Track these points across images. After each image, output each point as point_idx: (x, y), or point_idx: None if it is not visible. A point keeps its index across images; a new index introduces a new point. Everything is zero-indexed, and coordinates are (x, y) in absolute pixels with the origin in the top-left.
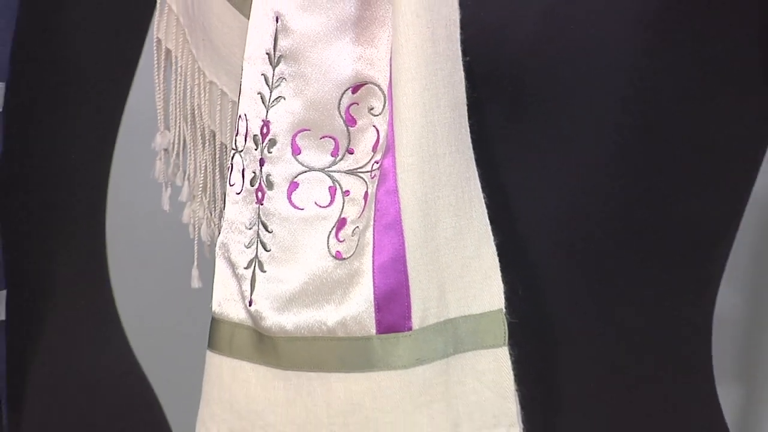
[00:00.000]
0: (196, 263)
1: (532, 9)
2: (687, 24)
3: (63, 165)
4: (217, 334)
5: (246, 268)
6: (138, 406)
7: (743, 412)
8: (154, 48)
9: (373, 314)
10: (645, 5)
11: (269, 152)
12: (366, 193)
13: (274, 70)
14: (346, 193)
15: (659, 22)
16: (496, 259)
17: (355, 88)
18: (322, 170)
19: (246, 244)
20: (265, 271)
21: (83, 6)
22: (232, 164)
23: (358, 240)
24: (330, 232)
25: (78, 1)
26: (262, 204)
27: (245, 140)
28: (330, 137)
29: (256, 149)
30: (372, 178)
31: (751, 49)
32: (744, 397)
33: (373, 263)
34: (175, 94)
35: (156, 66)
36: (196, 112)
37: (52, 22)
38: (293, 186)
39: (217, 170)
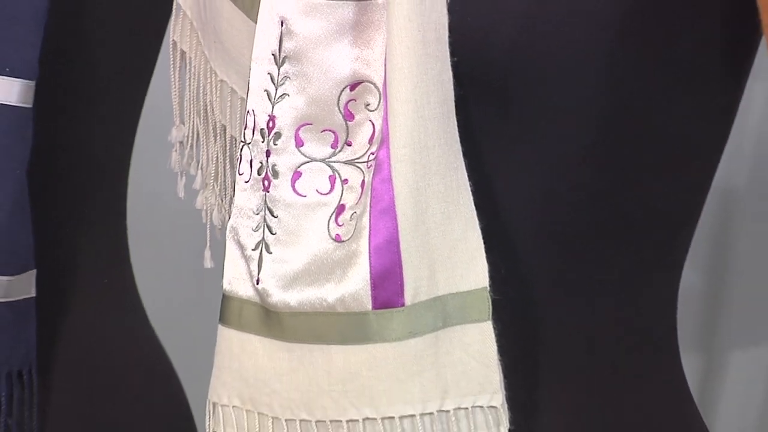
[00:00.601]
0: (208, 245)
1: (512, 15)
2: (652, 28)
3: (87, 156)
4: (227, 309)
5: (254, 249)
6: (155, 374)
7: (703, 378)
8: (170, 49)
9: (370, 291)
10: (614, 12)
11: (275, 144)
12: (363, 181)
13: (279, 70)
14: (344, 181)
15: (627, 27)
16: (481, 241)
17: (353, 86)
18: (322, 161)
19: (254, 228)
20: (271, 253)
21: (106, 10)
22: (240, 155)
23: (356, 224)
24: (330, 217)
25: (101, 5)
26: (268, 191)
27: (253, 133)
28: (330, 131)
29: (262, 141)
30: (368, 167)
31: (713, 51)
32: (703, 364)
33: (369, 245)
34: (189, 91)
35: (172, 66)
36: (208, 107)
37: (77, 25)
38: (296, 175)
39: (227, 161)
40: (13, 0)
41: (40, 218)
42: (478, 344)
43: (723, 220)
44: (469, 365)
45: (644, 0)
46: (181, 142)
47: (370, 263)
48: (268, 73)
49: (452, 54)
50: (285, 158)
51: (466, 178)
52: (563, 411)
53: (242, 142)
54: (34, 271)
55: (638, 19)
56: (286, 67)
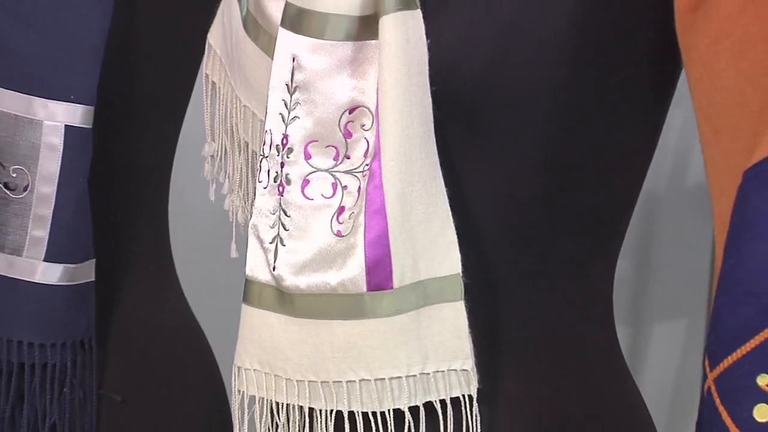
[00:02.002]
0: (234, 239)
1: (479, 54)
2: (595, 63)
3: (137, 166)
4: (249, 291)
5: (270, 243)
6: (191, 343)
7: (632, 345)
8: (204, 80)
9: (364, 277)
10: (563, 50)
11: (288, 157)
12: (359, 187)
13: (291, 97)
14: (344, 187)
15: (574, 61)
16: (455, 236)
17: (351, 110)
18: (326, 171)
19: (270, 225)
20: (284, 245)
21: (152, 48)
22: (260, 166)
23: (353, 222)
24: (332, 216)
25: (149, 45)
26: (282, 196)
27: (270, 148)
28: (332, 146)
29: (278, 155)
30: (363, 176)
31: (644, 81)
32: (631, 336)
33: (364, 239)
34: (219, 114)
35: (205, 93)
36: (233, 127)
37: (129, 60)
38: (305, 182)
39: (249, 171)
40: (77, 39)
41: (98, 217)
42: (452, 319)
43: (647, 219)
44: (445, 336)
45: (590, 40)
46: (212, 156)
47: (365, 254)
48: (282, 100)
49: (431, 84)
50: (296, 169)
51: (443, 184)
52: (522, 374)
53: (261, 155)
54: (93, 260)
55: (584, 54)
56: (296, 95)
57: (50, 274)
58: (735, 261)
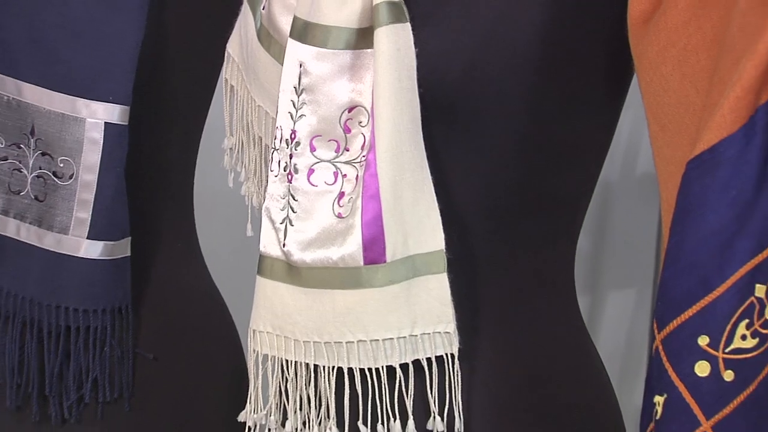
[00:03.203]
0: (249, 219)
1: (460, 61)
2: (561, 69)
3: (166, 158)
4: (262, 265)
5: (281, 223)
6: (213, 309)
7: (589, 314)
8: (224, 84)
9: (362, 252)
10: (533, 58)
11: (296, 150)
12: (357, 176)
13: (298, 98)
14: (344, 176)
15: (542, 68)
16: (440, 218)
17: (350, 109)
18: (329, 161)
19: (281, 208)
20: (293, 225)
21: (179, 56)
22: (272, 157)
23: (352, 206)
24: (334, 200)
25: (176, 53)
26: (291, 183)
27: (280, 142)
28: (334, 140)
29: (287, 148)
30: (361, 166)
31: (602, 86)
32: (589, 303)
33: (361, 221)
34: (236, 113)
35: (224, 95)
36: (249, 124)
37: (158, 66)
38: (311, 171)
39: (262, 162)
40: (116, 50)
41: (133, 201)
42: (437, 289)
43: (603, 203)
44: (431, 304)
45: (555, 50)
46: (230, 149)
47: (362, 233)
48: (291, 100)
49: (419, 86)
50: (303, 160)
51: (429, 173)
52: (497, 336)
53: (273, 148)
54: (129, 238)
55: (550, 63)
56: (303, 96)
57: (92, 250)
58: (679, 238)
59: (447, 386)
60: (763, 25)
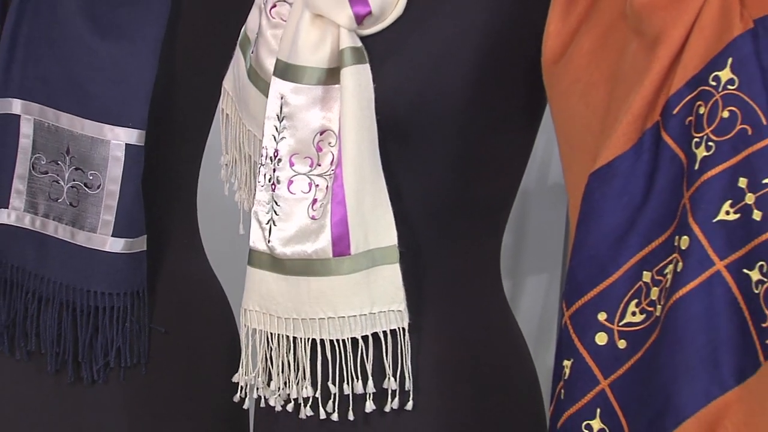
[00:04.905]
0: (241, 221)
1: (408, 93)
2: (489, 99)
3: (174, 170)
4: (251, 257)
5: (266, 224)
6: (212, 292)
7: (511, 294)
8: (220, 113)
9: (331, 247)
10: (467, 88)
11: (278, 165)
12: (327, 186)
13: (280, 123)
14: (317, 186)
15: (474, 97)
16: (393, 219)
17: (322, 132)
18: (305, 174)
19: (266, 212)
20: (276, 225)
21: (185, 90)
22: (259, 171)
23: (323, 210)
24: (309, 205)
25: (183, 87)
26: (274, 192)
27: (265, 159)
28: (309, 157)
29: (271, 164)
30: (330, 178)
31: (522, 111)
32: (511, 285)
33: (331, 222)
34: (230, 135)
35: (221, 121)
36: (240, 145)
37: (169, 98)
38: (290, 182)
39: (252, 174)
40: (135, 85)
41: (148, 206)
42: (391, 276)
43: (522, 206)
44: (386, 288)
45: (485, 84)
46: (226, 164)
47: (332, 231)
48: (274, 126)
49: (376, 114)
50: (284, 173)
51: (384, 183)
52: (439, 313)
53: (260, 164)
54: (145, 236)
55: (481, 94)
56: (284, 122)
57: (116, 245)
58: (583, 234)
59: (399, 353)
60: (648, 66)
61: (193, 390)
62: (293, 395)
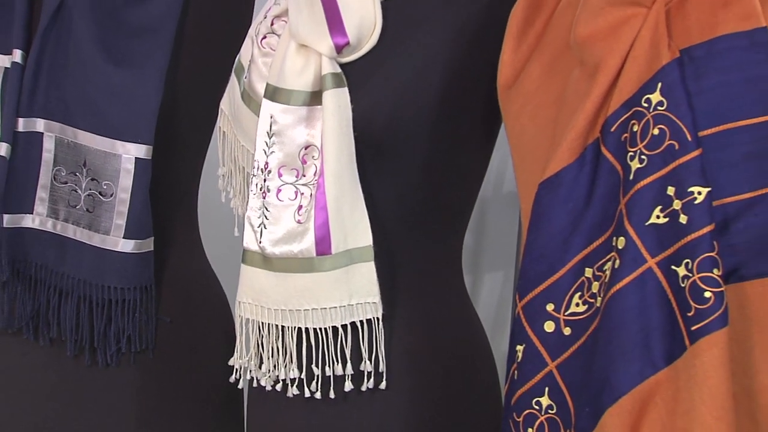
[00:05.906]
0: (236, 224)
1: (382, 113)
2: (453, 119)
3: (177, 179)
4: (245, 256)
5: (258, 227)
6: (211, 287)
7: (471, 288)
8: (218, 131)
9: (315, 247)
10: (434, 109)
11: (268, 176)
12: (311, 194)
13: (270, 140)
14: (302, 194)
15: (441, 116)
16: (368, 222)
17: (306, 147)
18: (291, 183)
19: (258, 217)
20: (266, 228)
21: (187, 110)
22: (251, 181)
23: (308, 215)
24: (295, 211)
25: (185, 108)
26: (265, 199)
27: (257, 170)
28: (295, 169)
29: (262, 174)
30: (314, 186)
31: (480, 130)
32: (471, 280)
33: (314, 225)
34: (227, 150)
35: (219, 138)
36: (235, 158)
37: (173, 117)
38: (278, 191)
39: (245, 184)
40: (143, 105)
41: (155, 212)
42: (367, 273)
43: (480, 211)
44: (363, 283)
45: (450, 105)
46: (223, 175)
47: (315, 234)
48: (265, 141)
49: (354, 131)
50: (273, 183)
51: (361, 191)
52: (410, 305)
53: (252, 175)
54: (152, 237)
55: (446, 114)
56: (273, 138)
57: (127, 246)
58: (533, 236)
59: (374, 340)
60: (589, 90)
61: (195, 372)
62: (281, 376)
